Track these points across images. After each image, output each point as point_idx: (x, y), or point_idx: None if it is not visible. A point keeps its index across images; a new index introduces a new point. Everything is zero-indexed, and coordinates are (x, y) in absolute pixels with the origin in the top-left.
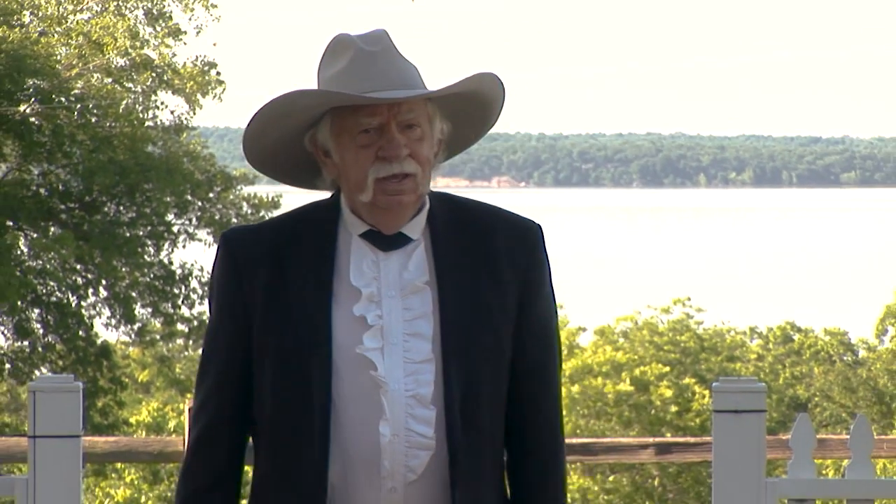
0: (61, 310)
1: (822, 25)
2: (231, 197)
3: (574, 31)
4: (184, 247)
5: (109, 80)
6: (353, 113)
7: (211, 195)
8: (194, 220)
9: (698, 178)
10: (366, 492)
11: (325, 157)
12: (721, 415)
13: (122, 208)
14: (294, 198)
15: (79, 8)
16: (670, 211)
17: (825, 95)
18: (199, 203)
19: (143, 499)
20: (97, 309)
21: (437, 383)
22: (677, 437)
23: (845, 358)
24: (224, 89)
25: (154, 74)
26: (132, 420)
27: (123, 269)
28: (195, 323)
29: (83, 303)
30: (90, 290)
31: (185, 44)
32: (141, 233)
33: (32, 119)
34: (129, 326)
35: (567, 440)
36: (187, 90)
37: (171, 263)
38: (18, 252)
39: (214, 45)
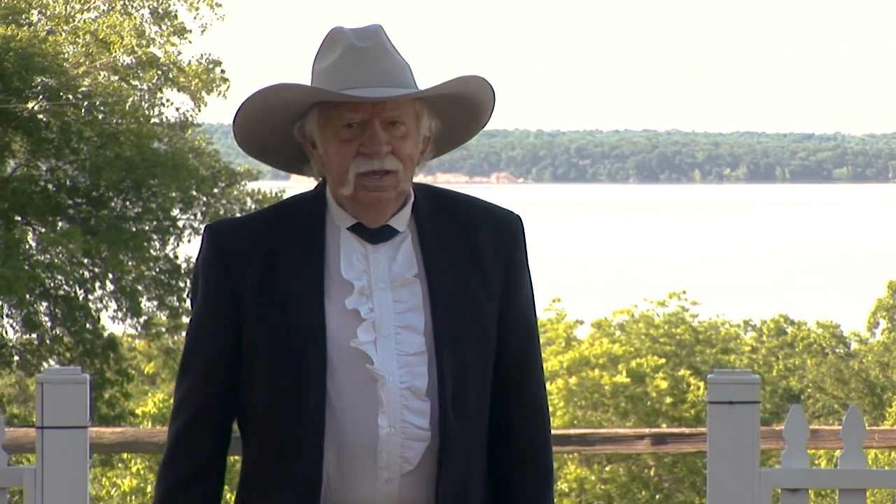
0: (69, 303)
1: (815, 24)
2: (235, 192)
3: (571, 30)
4: (189, 241)
5: (116, 77)
6: (336, 107)
7: (215, 191)
8: (199, 215)
9: (693, 173)
10: (362, 482)
11: (312, 149)
12: (716, 406)
13: (128, 203)
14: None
15: (86, 7)
16: (666, 206)
17: (818, 93)
18: (204, 198)
19: (148, 488)
20: (104, 302)
21: (430, 375)
22: (673, 427)
23: (837, 350)
24: (228, 87)
25: (160, 72)
26: (138, 411)
27: (130, 263)
28: None
29: (90, 296)
30: (97, 284)
31: (190, 42)
32: (147, 227)
33: (41, 116)
34: (136, 319)
35: (564, 431)
36: (192, 88)
37: (176, 258)
38: (27, 246)
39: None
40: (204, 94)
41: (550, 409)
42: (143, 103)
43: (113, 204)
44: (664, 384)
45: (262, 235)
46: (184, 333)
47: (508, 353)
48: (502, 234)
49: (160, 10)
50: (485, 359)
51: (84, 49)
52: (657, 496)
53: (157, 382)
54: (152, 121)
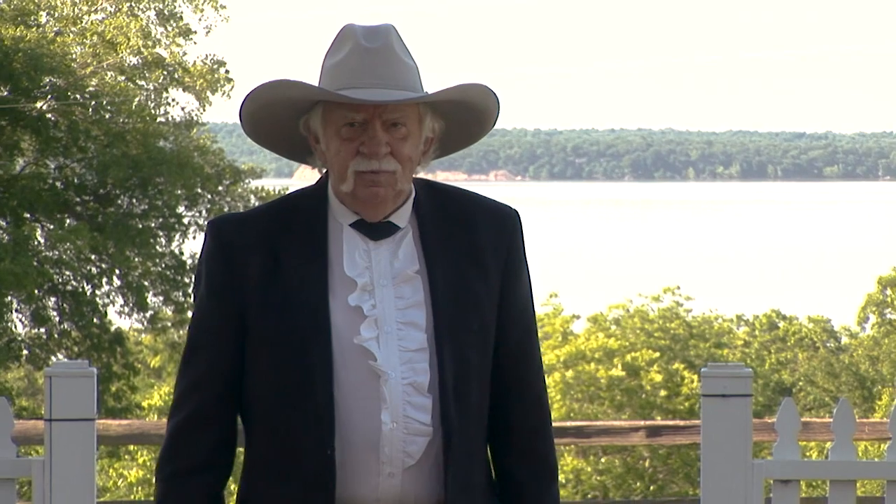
0: (76, 298)
1: (807, 26)
2: (239, 190)
3: (568, 32)
4: (194, 238)
5: (123, 77)
6: (339, 106)
7: (220, 188)
8: (204, 212)
9: (687, 171)
10: (365, 476)
11: (315, 143)
12: (709, 399)
13: (134, 201)
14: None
15: (93, 9)
16: (660, 203)
17: (809, 92)
18: (209, 196)
19: (154, 479)
20: (111, 297)
21: (432, 371)
22: (667, 420)
23: (828, 344)
24: (232, 86)
25: (165, 72)
26: (144, 404)
27: (136, 259)
28: None
29: (97, 291)
30: (104, 280)
31: (195, 43)
32: (153, 224)
33: (49, 115)
34: (142, 314)
35: (561, 423)
36: (197, 87)
37: (181, 254)
38: (35, 243)
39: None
40: (208, 93)
41: None
42: (149, 103)
43: (119, 201)
44: (659, 377)
45: (265, 231)
46: (188, 328)
47: (508, 347)
48: (501, 229)
49: (166, 12)
50: (485, 354)
51: (91, 50)
52: (652, 487)
53: (163, 376)
54: (158, 120)
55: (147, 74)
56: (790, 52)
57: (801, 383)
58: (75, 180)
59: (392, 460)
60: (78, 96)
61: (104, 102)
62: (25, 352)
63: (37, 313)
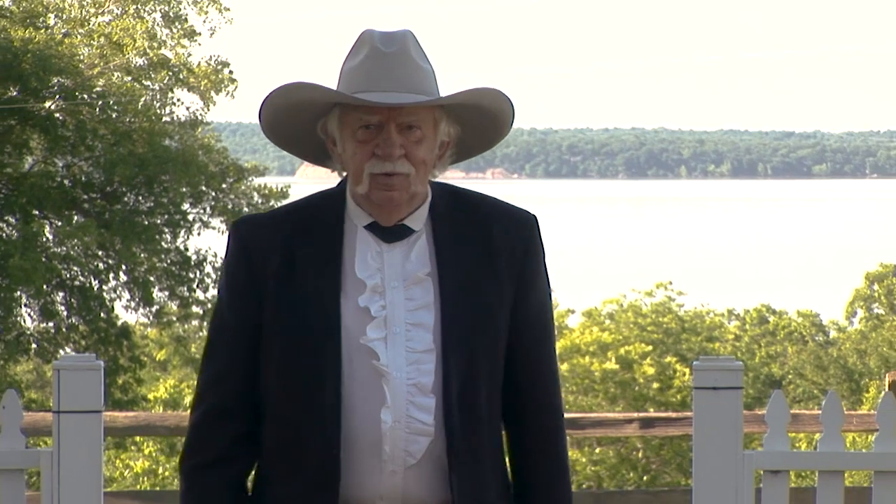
0: (84, 293)
1: (796, 27)
2: (243, 187)
3: (565, 33)
4: (198, 234)
5: (129, 78)
6: (355, 109)
7: (224, 186)
8: (208, 209)
9: (679, 169)
10: (367, 473)
11: (333, 146)
12: (701, 391)
13: (140, 198)
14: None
15: (100, 11)
16: (653, 201)
17: (798, 92)
18: (213, 193)
19: (160, 470)
20: (117, 292)
21: (438, 372)
22: (660, 412)
23: (817, 338)
24: (236, 87)
25: (171, 73)
26: (150, 396)
27: (142, 255)
28: (209, 305)
29: (104, 286)
30: (111, 275)
31: (199, 44)
32: (158, 221)
33: (57, 115)
34: (148, 309)
35: None
36: (202, 88)
37: (186, 250)
38: (44, 239)
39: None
40: (213, 93)
41: None
42: (154, 103)
43: (126, 198)
44: (651, 370)
45: (284, 232)
46: (193, 322)
47: (522, 352)
48: (518, 233)
49: (171, 14)
50: (494, 358)
51: (98, 51)
52: (645, 477)
53: (169, 369)
54: (163, 119)
55: (153, 75)
56: (780, 52)
57: (790, 376)
58: (83, 178)
59: (394, 459)
60: (85, 96)
61: (111, 102)
62: (34, 345)
63: (45, 308)
